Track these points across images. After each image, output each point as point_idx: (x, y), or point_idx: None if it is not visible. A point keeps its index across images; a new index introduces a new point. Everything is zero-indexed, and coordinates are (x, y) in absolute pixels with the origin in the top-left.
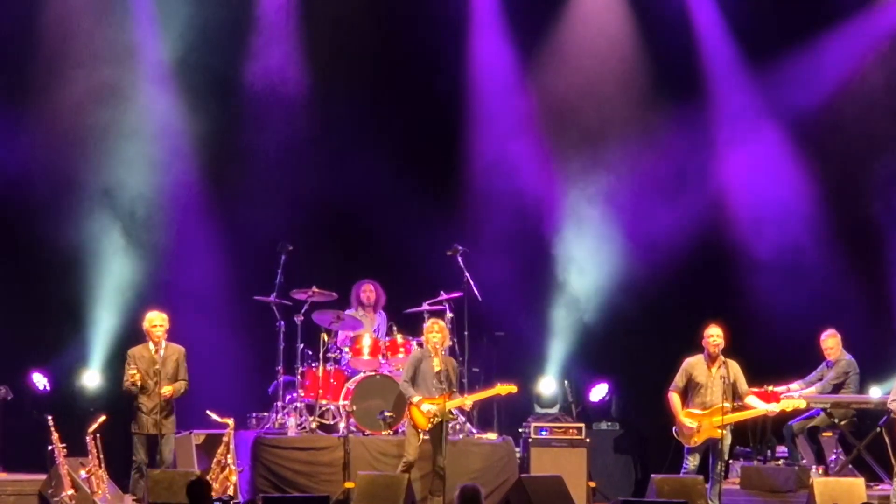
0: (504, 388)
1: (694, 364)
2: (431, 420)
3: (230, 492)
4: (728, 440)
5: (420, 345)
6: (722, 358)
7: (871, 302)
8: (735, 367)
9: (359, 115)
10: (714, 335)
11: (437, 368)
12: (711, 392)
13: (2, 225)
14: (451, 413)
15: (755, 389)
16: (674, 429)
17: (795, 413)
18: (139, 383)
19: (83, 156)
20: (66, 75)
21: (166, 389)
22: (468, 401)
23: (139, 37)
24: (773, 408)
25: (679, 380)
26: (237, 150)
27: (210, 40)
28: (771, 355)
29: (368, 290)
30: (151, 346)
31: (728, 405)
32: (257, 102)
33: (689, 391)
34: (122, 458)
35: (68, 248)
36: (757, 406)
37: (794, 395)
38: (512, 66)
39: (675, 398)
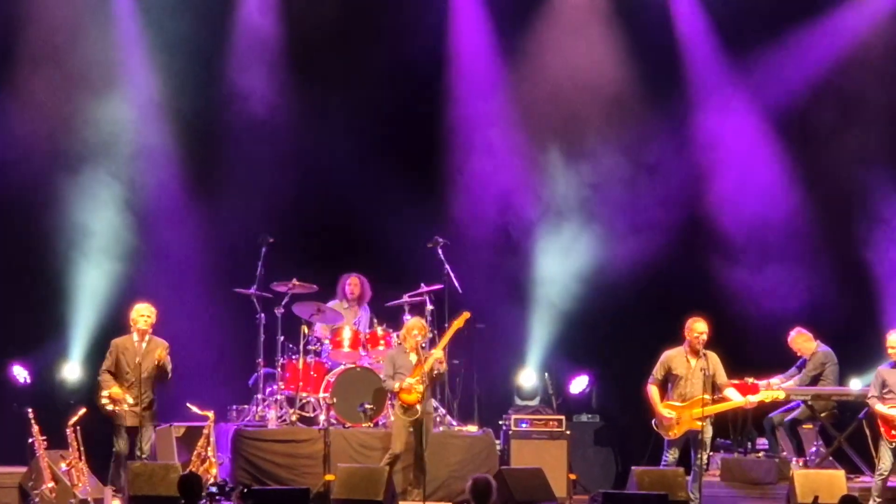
0: (459, 321)
1: (673, 356)
2: (417, 386)
3: (211, 482)
4: (709, 432)
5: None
6: (702, 350)
7: (852, 294)
8: (715, 359)
9: (339, 107)
10: (701, 331)
11: (413, 362)
12: (691, 384)
13: None
14: (431, 402)
15: (735, 382)
16: (653, 421)
17: (775, 405)
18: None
19: (63, 148)
20: (46, 66)
21: (160, 353)
22: (437, 351)
23: (120, 28)
24: (752, 399)
25: (658, 372)
26: (218, 143)
27: (190, 24)
28: (751, 348)
29: (353, 284)
30: (135, 336)
31: (708, 397)
32: (237, 94)
33: (669, 384)
34: (103, 451)
35: (48, 239)
36: (735, 398)
37: (775, 388)
38: (493, 57)
39: (653, 390)
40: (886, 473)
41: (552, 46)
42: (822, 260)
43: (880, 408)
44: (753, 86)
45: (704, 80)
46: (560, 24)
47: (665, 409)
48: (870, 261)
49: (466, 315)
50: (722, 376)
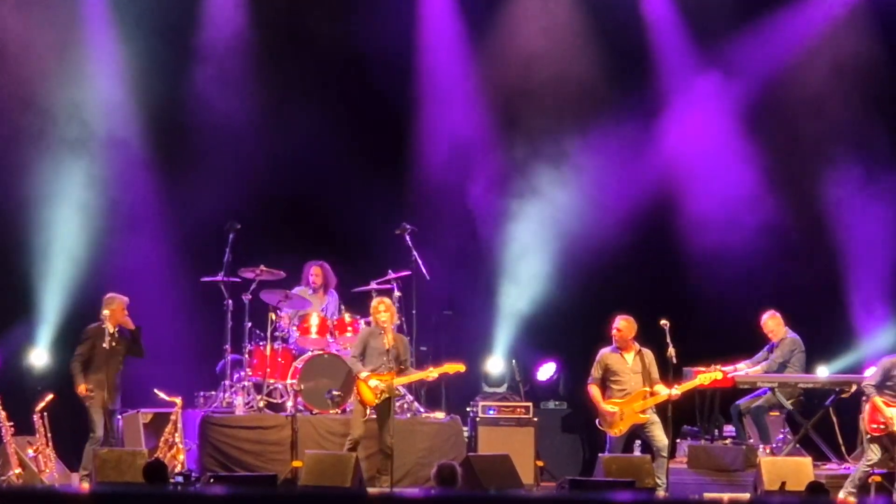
0: (451, 368)
1: (608, 354)
2: (378, 396)
3: (177, 470)
4: (656, 419)
5: (368, 324)
6: (636, 346)
7: (819, 282)
8: (650, 356)
9: (307, 94)
10: (614, 326)
11: (387, 346)
12: (629, 378)
13: None
14: (398, 390)
15: (701, 369)
16: (597, 420)
17: (742, 391)
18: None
19: (29, 132)
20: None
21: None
22: (434, 373)
23: (87, 11)
24: (675, 391)
25: (596, 371)
26: (185, 129)
27: (158, 11)
28: (718, 336)
29: (315, 274)
30: (109, 326)
31: (648, 389)
32: (205, 81)
33: (607, 381)
34: (70, 437)
35: (14, 226)
36: (662, 392)
37: (742, 374)
38: (459, 41)
39: (594, 390)
40: (872, 465)
41: (518, 30)
42: (790, 248)
43: (878, 400)
44: (723, 75)
45: (671, 64)
46: (529, 12)
47: (608, 405)
48: (838, 249)
49: (461, 367)
50: (654, 373)
